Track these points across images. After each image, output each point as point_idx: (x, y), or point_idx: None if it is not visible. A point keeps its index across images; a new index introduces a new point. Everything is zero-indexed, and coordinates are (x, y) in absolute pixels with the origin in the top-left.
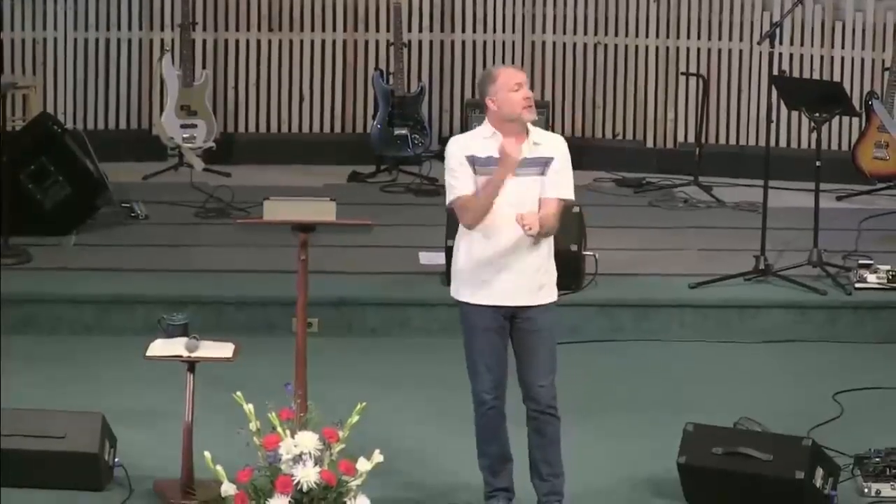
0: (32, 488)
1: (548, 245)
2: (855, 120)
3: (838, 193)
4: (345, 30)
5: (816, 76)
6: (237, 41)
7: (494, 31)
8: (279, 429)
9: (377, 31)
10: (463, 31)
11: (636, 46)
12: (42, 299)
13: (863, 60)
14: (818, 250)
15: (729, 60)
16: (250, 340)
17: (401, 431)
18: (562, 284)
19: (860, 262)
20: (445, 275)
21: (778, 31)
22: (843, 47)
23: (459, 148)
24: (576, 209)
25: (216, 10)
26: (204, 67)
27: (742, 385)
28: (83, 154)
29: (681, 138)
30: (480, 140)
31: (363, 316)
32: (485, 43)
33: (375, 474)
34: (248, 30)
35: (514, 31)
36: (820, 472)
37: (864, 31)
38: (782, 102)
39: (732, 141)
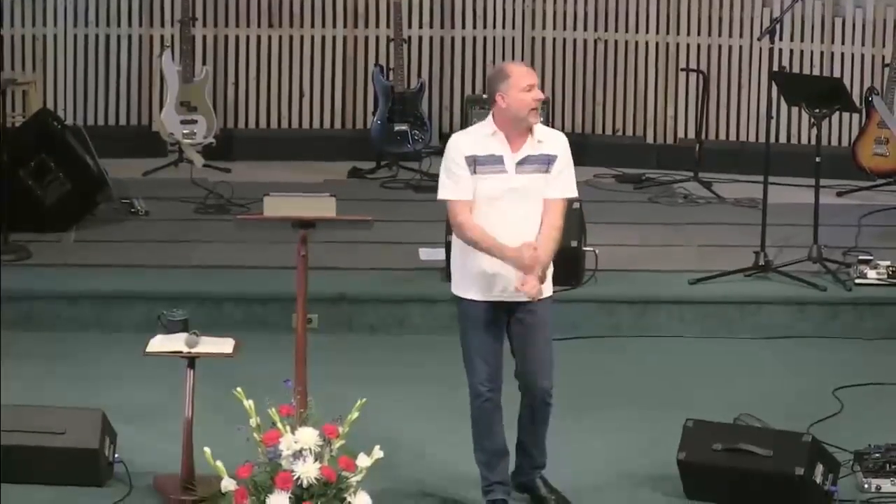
0: (32, 484)
1: None
2: (855, 116)
3: (838, 189)
4: (345, 26)
5: (816, 72)
6: (237, 37)
7: (494, 27)
8: (279, 425)
9: (377, 27)
10: (463, 27)
11: (636, 42)
12: (42, 296)
13: (863, 56)
14: (818, 246)
15: (729, 56)
16: (250, 336)
17: (401, 427)
18: (561, 280)
19: (860, 258)
20: (445, 271)
21: (778, 27)
22: (843, 43)
23: (459, 149)
24: (575, 205)
25: (216, 6)
26: (204, 63)
27: (742, 381)
28: (83, 150)
29: (681, 134)
30: (482, 138)
31: (363, 312)
32: (485, 39)
33: (375, 470)
34: (248, 26)
35: (513, 28)
36: (820, 468)
37: (864, 27)
38: (782, 98)
39: (732, 137)
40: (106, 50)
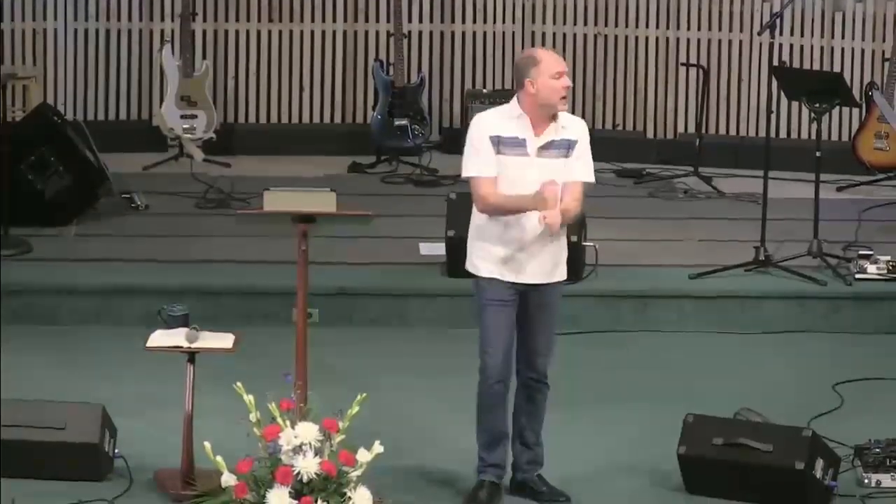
0: (33, 479)
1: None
2: (855, 110)
3: (838, 184)
4: (345, 20)
5: (816, 67)
6: (237, 32)
7: (494, 21)
8: (279, 419)
9: (377, 21)
10: (463, 21)
11: (636, 37)
12: (42, 290)
13: (863, 51)
14: (818, 241)
15: (729, 51)
16: (250, 331)
17: (401, 422)
18: None
19: (860, 252)
20: (446, 265)
21: (778, 21)
22: (843, 38)
23: (484, 127)
24: None
25: (216, 1)
26: (204, 58)
27: (742, 376)
28: (83, 144)
29: (681, 129)
30: (507, 120)
31: (363, 306)
32: (485, 34)
33: (376, 465)
34: (249, 20)
35: (513, 22)
36: (820, 462)
37: (864, 21)
38: (782, 93)
39: (732, 131)
40: (106, 44)
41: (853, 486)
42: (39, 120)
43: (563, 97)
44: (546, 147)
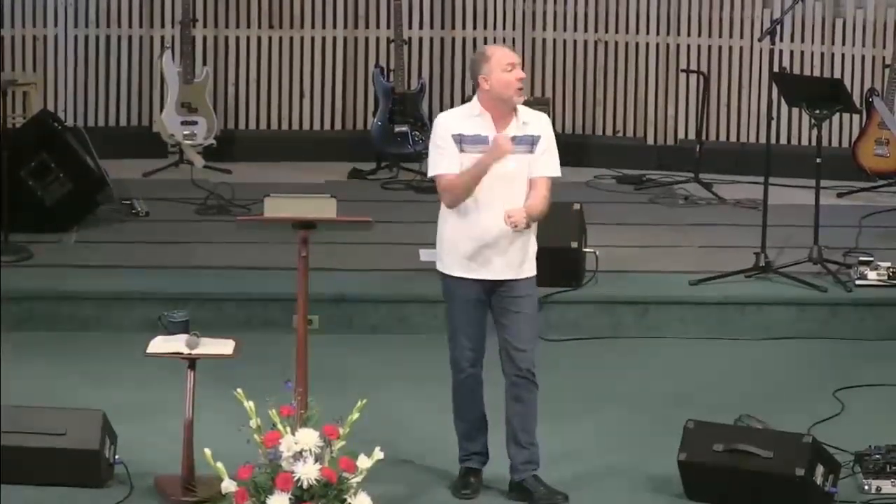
0: (33, 485)
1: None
2: (855, 117)
3: (839, 190)
4: (345, 27)
5: (817, 73)
6: (237, 38)
7: (494, 27)
8: (280, 426)
9: (377, 28)
10: (463, 28)
11: (636, 43)
12: (42, 296)
13: (863, 57)
14: (819, 247)
15: (729, 57)
16: (251, 337)
17: (401, 428)
18: (562, 281)
19: (860, 258)
20: None
21: (778, 27)
22: (843, 44)
23: (446, 126)
24: (576, 206)
25: (216, 7)
26: (204, 64)
27: (742, 382)
28: (84, 151)
29: (681, 135)
30: (468, 118)
31: (364, 313)
32: (485, 40)
33: (376, 471)
34: (249, 27)
35: (514, 28)
36: (820, 469)
37: (864, 27)
38: (783, 99)
39: (733, 138)
40: (106, 51)
41: (854, 492)
42: (40, 126)
43: (519, 88)
44: (511, 142)
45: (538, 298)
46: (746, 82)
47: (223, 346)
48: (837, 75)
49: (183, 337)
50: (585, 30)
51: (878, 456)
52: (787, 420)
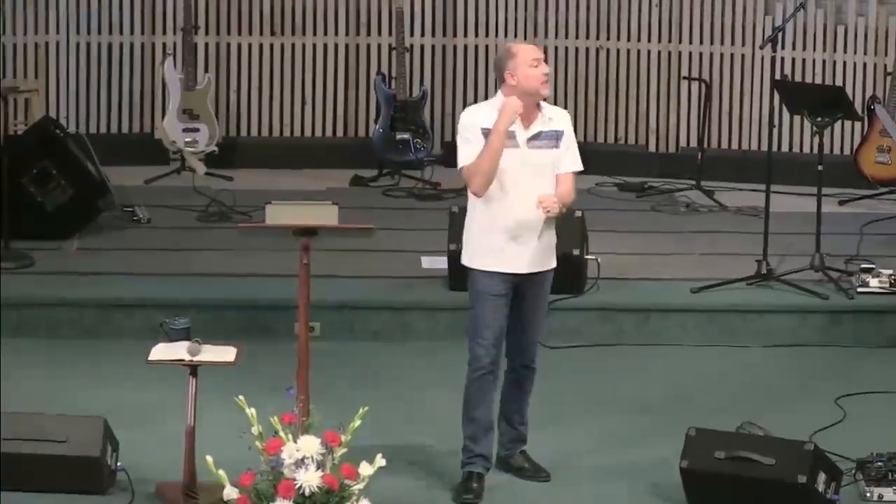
0: (34, 492)
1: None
2: (857, 124)
3: (840, 198)
4: (347, 34)
5: (818, 80)
6: (239, 45)
7: (496, 35)
8: (281, 433)
9: (379, 35)
10: (465, 35)
11: (638, 51)
12: (43, 303)
13: (865, 65)
14: (820, 255)
15: (731, 65)
16: (252, 344)
17: (403, 435)
18: (563, 288)
19: (862, 266)
20: (448, 279)
21: (780, 35)
22: (845, 52)
23: (474, 120)
24: (578, 213)
25: (218, 14)
26: (206, 71)
27: (744, 389)
28: (85, 157)
29: (683, 143)
30: (494, 113)
31: (365, 320)
32: (486, 47)
33: (377, 478)
34: (251, 34)
35: (515, 36)
36: (822, 476)
37: (866, 35)
38: (784, 107)
39: (735, 145)
40: (108, 58)
41: (855, 499)
42: (41, 133)
43: (544, 82)
44: (535, 138)
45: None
46: (748, 90)
47: (225, 353)
48: (839, 83)
49: (184, 344)
50: (587, 37)
51: (880, 463)
52: (788, 427)
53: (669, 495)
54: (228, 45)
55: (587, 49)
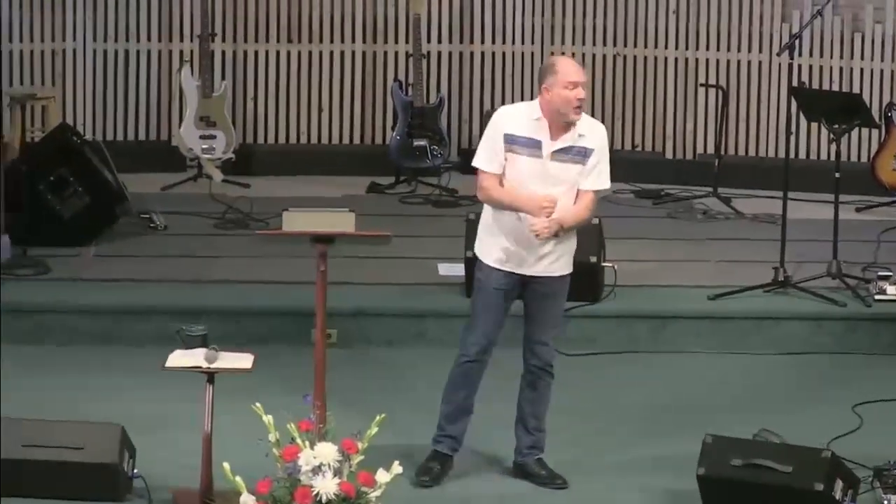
0: (51, 499)
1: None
2: (874, 131)
3: (857, 205)
4: (364, 41)
5: (836, 87)
6: (256, 52)
7: (513, 42)
8: (298, 440)
9: (396, 42)
10: (482, 42)
11: (655, 58)
12: (60, 309)
13: (882, 72)
14: (837, 262)
15: (748, 72)
16: (269, 351)
17: (420, 443)
18: (580, 295)
19: (879, 273)
20: (465, 286)
21: (797, 42)
22: (862, 59)
23: (503, 122)
24: (595, 220)
25: (235, 22)
26: (223, 78)
27: (761, 396)
28: (102, 165)
29: (700, 149)
30: (526, 120)
31: (382, 327)
32: (504, 54)
33: (394, 486)
34: (268, 41)
35: (532, 43)
36: (839, 483)
37: (883, 42)
38: (801, 114)
39: (752, 152)
40: (125, 65)
41: None
42: (58, 140)
43: (577, 107)
44: (560, 152)
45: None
46: (765, 97)
47: (242, 360)
48: (856, 90)
49: (201, 351)
50: (604, 44)
51: None
52: (805, 434)
53: (686, 502)
54: (245, 52)
55: (604, 56)
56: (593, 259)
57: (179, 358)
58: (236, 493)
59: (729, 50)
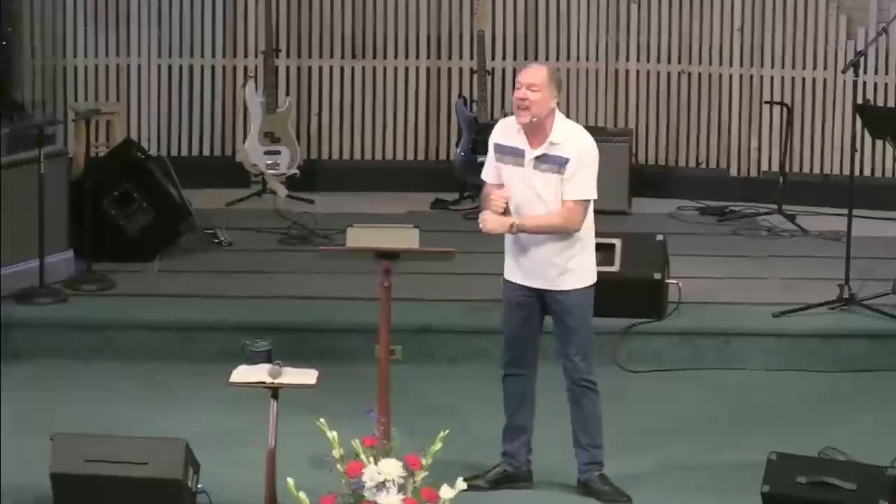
0: None
1: (572, 237)
2: None
3: None
4: (428, 57)
5: None
6: (320, 68)
7: (578, 59)
8: (362, 456)
9: (460, 58)
10: (546, 58)
11: (720, 75)
12: (125, 325)
13: None
14: None
15: (813, 89)
16: (333, 367)
17: (483, 459)
18: (644, 312)
19: None
20: None
21: (862, 59)
22: None
23: (494, 134)
24: (659, 237)
25: (300, 37)
26: (287, 94)
27: (826, 414)
28: (166, 180)
29: (764, 167)
30: (511, 130)
31: (446, 343)
32: (568, 71)
33: (459, 502)
34: (332, 56)
35: (597, 60)
36: None
37: None
38: (866, 131)
39: (816, 170)
40: (190, 80)
41: None
42: (123, 156)
43: (518, 108)
44: (538, 160)
45: (591, 311)
46: (830, 114)
47: (306, 376)
48: None
49: (266, 366)
50: (669, 61)
51: None
52: (869, 452)
53: None
54: (310, 68)
55: (669, 73)
56: (657, 276)
57: (244, 374)
58: None
59: (794, 67)
